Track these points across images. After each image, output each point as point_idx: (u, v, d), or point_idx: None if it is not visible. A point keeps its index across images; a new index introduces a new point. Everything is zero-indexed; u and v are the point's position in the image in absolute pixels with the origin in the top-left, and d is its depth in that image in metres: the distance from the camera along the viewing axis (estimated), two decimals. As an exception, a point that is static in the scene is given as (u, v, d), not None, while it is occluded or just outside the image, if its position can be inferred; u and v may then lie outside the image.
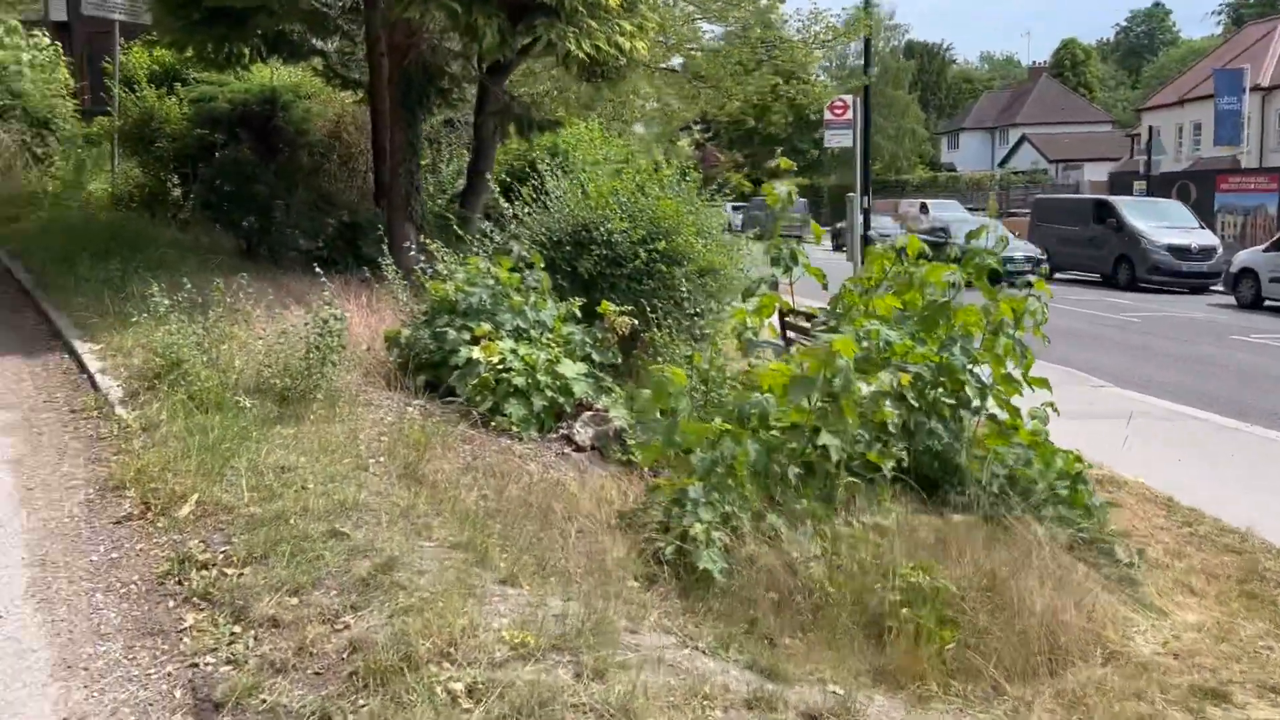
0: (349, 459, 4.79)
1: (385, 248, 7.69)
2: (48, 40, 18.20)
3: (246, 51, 11.68)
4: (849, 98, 17.39)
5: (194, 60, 11.91)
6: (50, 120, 16.71)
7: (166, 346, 5.93)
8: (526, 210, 8.92)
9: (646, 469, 5.13)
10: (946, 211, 45.54)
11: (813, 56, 13.22)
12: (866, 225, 18.62)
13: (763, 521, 4.31)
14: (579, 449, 5.61)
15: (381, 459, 4.91)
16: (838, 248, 26.61)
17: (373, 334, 7.19)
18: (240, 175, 10.91)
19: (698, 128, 28.31)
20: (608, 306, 6.51)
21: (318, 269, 7.09)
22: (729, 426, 4.35)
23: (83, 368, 6.62)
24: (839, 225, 29.85)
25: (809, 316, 6.92)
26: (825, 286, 6.17)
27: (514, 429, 5.59)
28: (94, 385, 6.21)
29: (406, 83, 9.75)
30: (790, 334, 7.53)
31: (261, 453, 4.76)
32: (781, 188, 5.96)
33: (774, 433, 4.60)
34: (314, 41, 12.45)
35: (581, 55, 8.80)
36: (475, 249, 8.17)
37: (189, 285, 6.41)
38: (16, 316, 8.44)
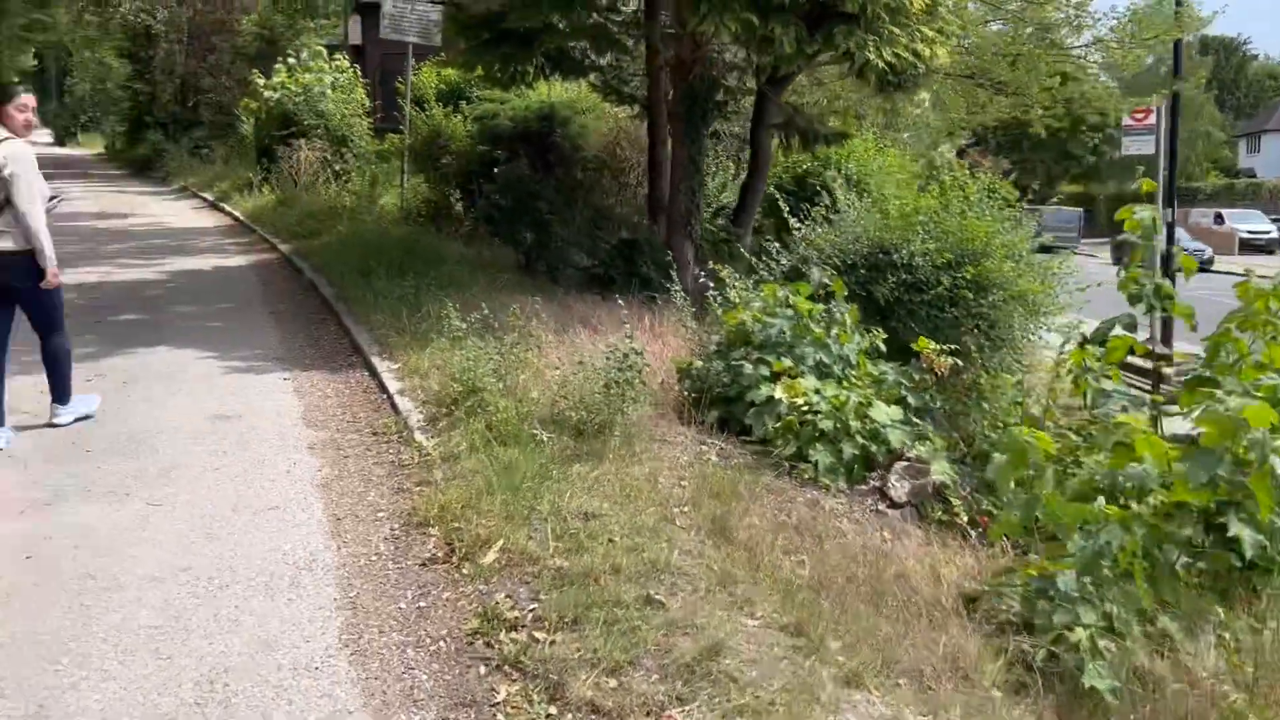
0: (653, 508, 4.44)
1: (672, 271, 7.39)
2: (347, 63, 19.55)
3: (530, 69, 11.88)
4: (1154, 101, 15.68)
5: (481, 79, 12.25)
6: (348, 138, 17.89)
7: (464, 371, 5.86)
8: (814, 230, 8.41)
9: (992, 541, 4.47)
10: (1247, 223, 40.83)
11: (1130, 57, 11.82)
12: (1170, 240, 16.72)
13: (1152, 625, 3.56)
14: (894, 505, 5.02)
15: (685, 509, 4.52)
16: (1117, 260, 24.27)
17: (658, 362, 6.88)
18: (521, 191, 11.06)
19: (962, 134, 26.69)
20: (925, 343, 5.85)
21: (596, 289, 6.92)
22: (1112, 510, 3.61)
23: (382, 388, 6.71)
24: (1118, 238, 27.26)
25: (1157, 358, 5.97)
26: (1194, 327, 5.24)
27: (820, 479, 5.07)
28: (394, 407, 6.25)
29: (690, 97, 9.49)
30: (1129, 378, 6.57)
31: (564, 495, 4.50)
32: (1144, 212, 5.10)
33: (1153, 511, 3.82)
34: (593, 58, 12.50)
35: (881, 64, 8.18)
36: (760, 271, 7.73)
37: (486, 310, 6.30)
38: (319, 329, 8.82)
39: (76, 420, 5.95)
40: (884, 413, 5.23)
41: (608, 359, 5.52)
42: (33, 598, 3.79)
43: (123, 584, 3.92)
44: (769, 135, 11.93)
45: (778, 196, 14.12)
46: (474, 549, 4.12)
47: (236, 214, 17.42)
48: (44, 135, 50.86)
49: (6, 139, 5.41)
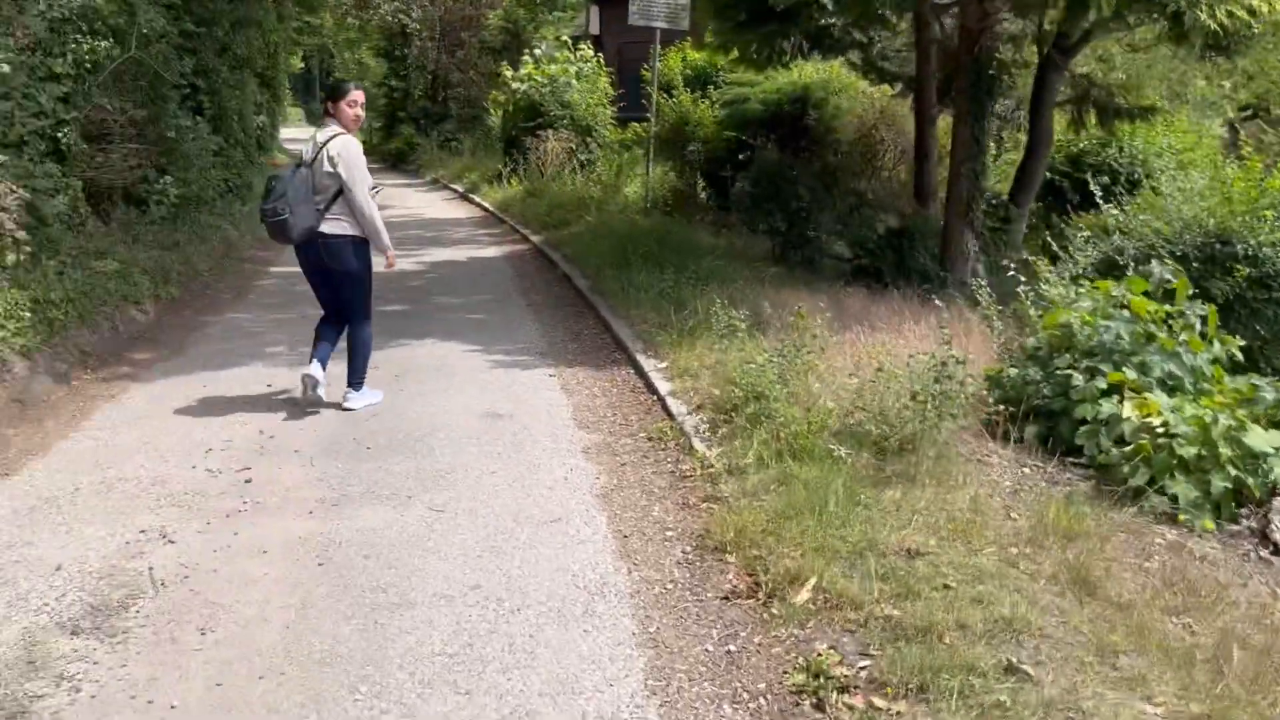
0: (990, 547, 3.80)
1: (976, 265, 6.64)
2: (591, 53, 19.63)
3: (788, 49, 11.30)
4: None
5: (733, 63, 11.78)
6: (593, 128, 17.93)
7: (743, 375, 5.40)
8: (1118, 216, 7.38)
9: None
10: None
11: None
12: None
13: None
14: (1278, 550, 4.12)
15: (1025, 549, 3.84)
16: None
17: (949, 364, 6.17)
18: (776, 177, 10.52)
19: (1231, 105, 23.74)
20: (1310, 354, 4.89)
21: (861, 281, 6.27)
22: None
23: (650, 388, 6.37)
24: None
25: None
26: None
27: (1180, 515, 4.24)
28: (666, 410, 5.88)
29: (977, 71, 8.62)
30: None
31: (877, 525, 3.94)
32: None
33: None
34: (854, 34, 11.76)
35: (1212, 24, 7.05)
36: (1060, 263, 6.82)
37: (768, 307, 5.80)
38: (579, 323, 8.64)
39: (365, 406, 6.11)
40: (1262, 438, 4.32)
41: (910, 365, 4.90)
42: (327, 611, 3.64)
43: (413, 601, 3.71)
44: (1051, 111, 10.79)
45: (1053, 179, 12.91)
46: (782, 584, 3.63)
47: (486, 205, 17.85)
48: (306, 131, 55.03)
49: (339, 134, 5.66)
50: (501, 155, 20.81)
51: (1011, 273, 6.08)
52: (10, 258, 6.59)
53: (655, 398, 6.19)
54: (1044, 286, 5.68)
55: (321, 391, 5.89)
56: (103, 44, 8.75)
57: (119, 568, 3.97)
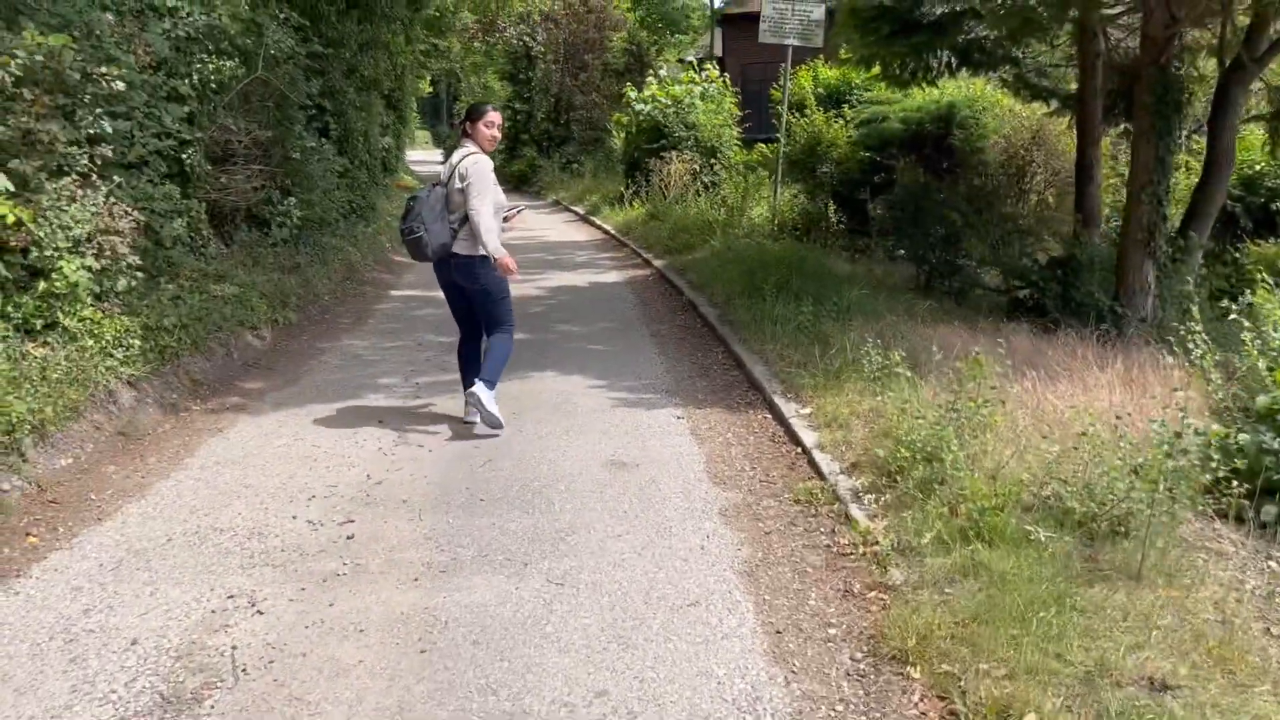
0: (1262, 683, 2.94)
1: (1156, 300, 5.69)
2: (716, 72, 19.04)
3: (936, 64, 10.45)
4: None
5: (877, 79, 10.98)
6: (718, 149, 17.31)
7: (911, 429, 4.62)
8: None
9: None
10: None
11: None
12: None
13: None
14: None
15: (1307, 685, 2.97)
16: None
17: (1143, 423, 5.25)
18: (921, 200, 9.67)
19: None
20: None
21: (1020, 316, 5.41)
22: None
23: (793, 437, 5.64)
24: None
25: None
26: None
27: None
28: (814, 467, 5.14)
29: (1163, 84, 7.63)
30: None
31: (1105, 640, 3.12)
32: None
33: None
34: (1007, 48, 10.82)
35: None
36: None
37: (937, 352, 5.03)
38: (706, 357, 7.97)
39: (489, 412, 5.84)
40: None
41: (1120, 429, 4.04)
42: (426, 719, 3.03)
43: (528, 710, 3.07)
44: (1234, 128, 9.62)
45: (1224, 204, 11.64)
46: (989, 718, 2.86)
47: (607, 228, 17.40)
48: (435, 154, 56.12)
49: (472, 153, 5.69)
50: (623, 177, 20.39)
51: (1233, 315, 5.12)
52: (123, 283, 6.30)
53: (799, 450, 5.46)
54: (1275, 333, 4.74)
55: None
56: (228, 64, 8.55)
57: (200, 644, 3.46)
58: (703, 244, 13.03)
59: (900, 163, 12.60)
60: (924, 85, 10.91)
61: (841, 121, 13.39)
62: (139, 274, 6.37)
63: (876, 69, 10.68)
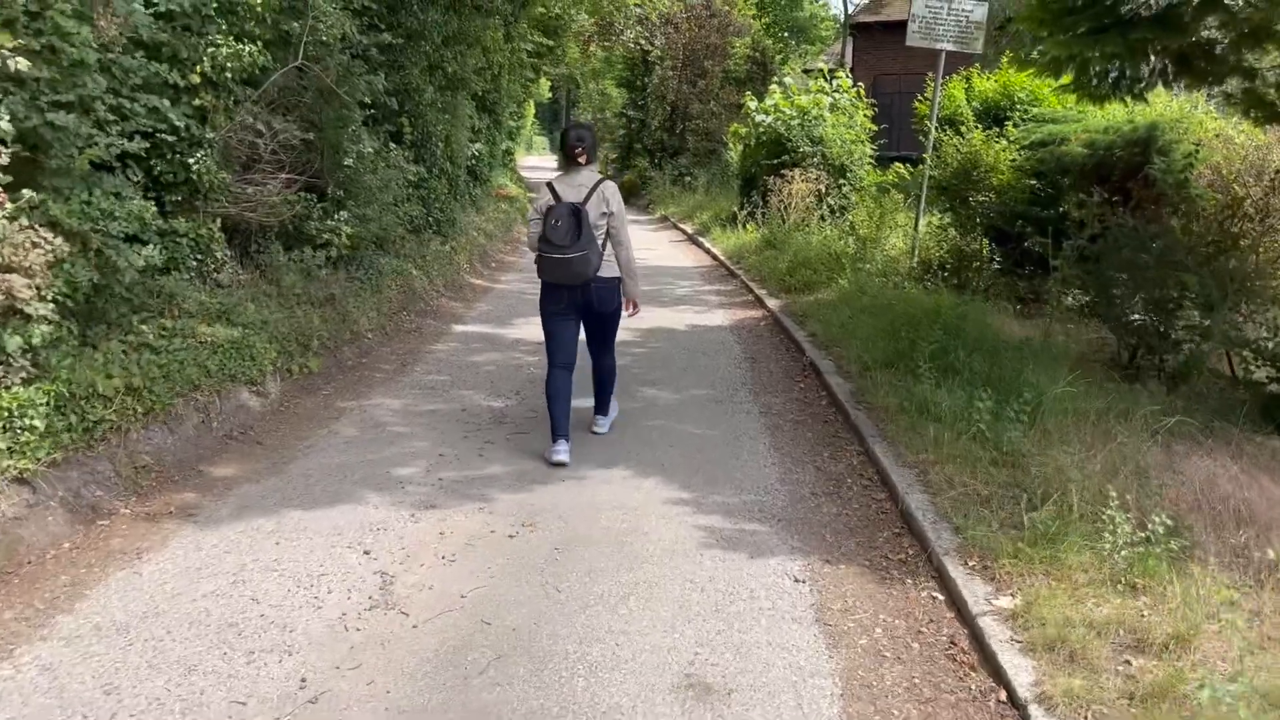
0: None
1: None
2: (849, 81, 16.71)
3: (1144, 73, 8.02)
4: None
5: (1068, 90, 8.57)
6: (847, 168, 15.00)
7: (1212, 695, 2.39)
8: None
9: None
10: None
11: None
12: None
13: None
14: None
15: None
16: None
17: None
18: (1131, 250, 7.24)
19: None
20: None
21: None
22: None
23: (987, 659, 3.42)
24: None
25: None
26: None
27: None
28: (1001, 681, 2.94)
29: None
30: None
31: None
32: None
33: None
34: (1241, 53, 8.29)
35: None
36: None
37: (1239, 531, 2.78)
38: (837, 459, 5.77)
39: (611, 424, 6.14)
40: None
41: None
42: None
43: None
44: None
45: None
46: None
47: (716, 252, 15.27)
48: (547, 160, 54.95)
49: (605, 178, 5.63)
50: (738, 195, 18.25)
51: None
52: (36, 336, 4.49)
53: (1002, 698, 3.22)
54: None
55: (568, 457, 5.55)
56: (247, 49, 6.75)
57: None
58: (827, 282, 10.80)
59: (1076, 194, 10.12)
60: (1127, 100, 8.44)
61: (1003, 142, 10.96)
62: (45, 325, 4.54)
63: (1067, 77, 8.28)
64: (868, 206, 12.65)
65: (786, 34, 30.91)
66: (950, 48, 11.78)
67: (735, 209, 16.34)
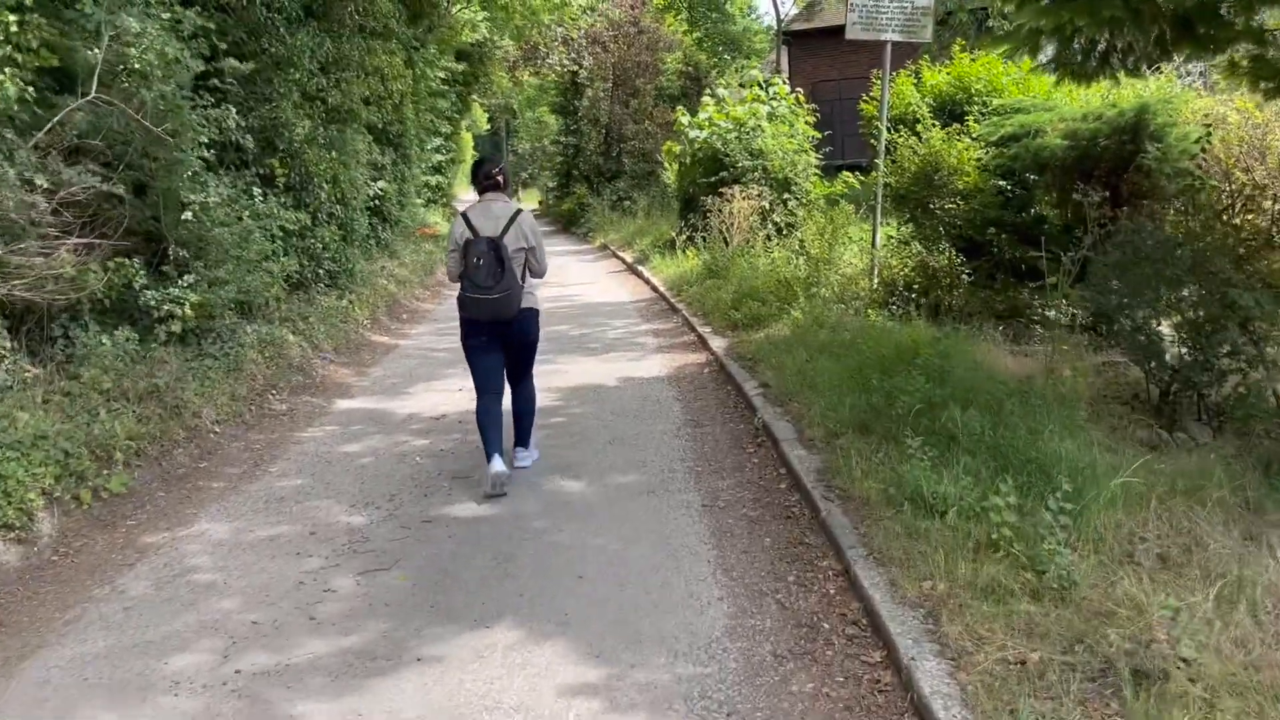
0: None
1: None
2: (786, 88, 15.21)
3: (1137, 43, 6.54)
4: None
5: (1048, 69, 7.05)
6: (791, 181, 13.46)
7: None
8: None
9: None
10: None
11: None
12: None
13: None
14: None
15: None
16: None
17: None
18: (1152, 257, 5.69)
19: None
20: None
21: None
22: None
23: None
24: None
25: None
26: None
27: None
28: None
29: None
30: None
31: None
32: None
33: None
34: (1250, 15, 6.83)
35: None
36: None
37: None
38: (802, 583, 4.12)
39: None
40: None
41: None
42: None
43: None
44: None
45: None
46: None
47: (655, 282, 13.65)
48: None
49: (520, 207, 5.50)
50: (677, 217, 16.70)
51: None
52: None
53: None
54: None
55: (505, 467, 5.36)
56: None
57: None
58: (778, 314, 9.20)
59: (1052, 193, 8.66)
60: (1119, 77, 6.94)
61: (965, 140, 9.47)
62: None
63: (1047, 52, 6.76)
64: (817, 222, 11.08)
65: (720, 48, 29.54)
66: (896, 38, 10.32)
67: (674, 233, 14.76)
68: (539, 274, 5.60)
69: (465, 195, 53.39)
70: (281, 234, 9.40)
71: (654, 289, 13.48)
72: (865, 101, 12.15)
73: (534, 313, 5.65)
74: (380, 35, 12.58)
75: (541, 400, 7.60)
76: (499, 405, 5.56)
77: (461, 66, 24.47)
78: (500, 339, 5.51)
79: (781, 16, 24.60)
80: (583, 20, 24.42)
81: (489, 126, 63.86)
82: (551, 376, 8.34)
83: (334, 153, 10.50)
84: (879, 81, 12.33)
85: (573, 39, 25.46)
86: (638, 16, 25.78)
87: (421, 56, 15.07)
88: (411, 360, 9.50)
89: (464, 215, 5.42)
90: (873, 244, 10.27)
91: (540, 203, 37.34)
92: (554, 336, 10.37)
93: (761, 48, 39.13)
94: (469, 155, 59.28)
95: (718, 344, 8.88)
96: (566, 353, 9.43)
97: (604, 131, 26.44)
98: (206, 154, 7.59)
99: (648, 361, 8.88)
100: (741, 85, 23.02)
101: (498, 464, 5.30)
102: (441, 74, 18.14)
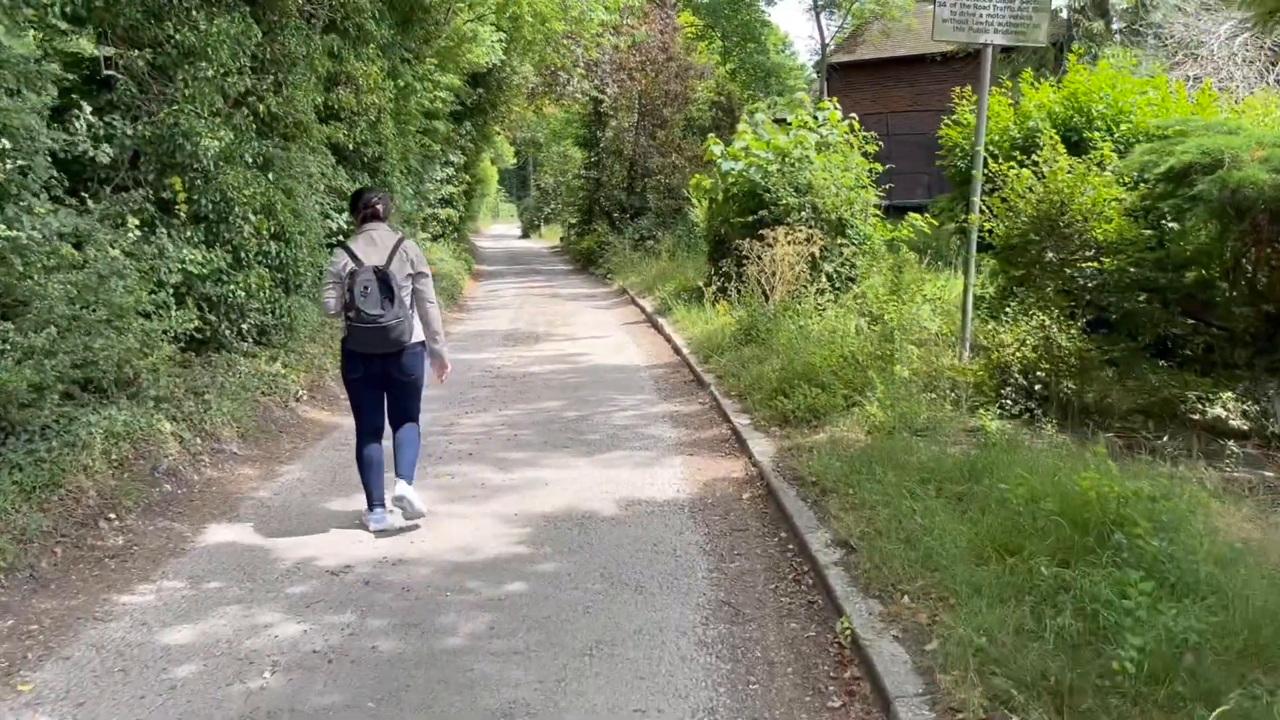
0: None
1: None
2: (838, 113, 12.63)
3: None
4: None
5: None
6: (846, 223, 10.86)
7: None
8: None
9: None
10: None
11: None
12: None
13: None
14: None
15: None
16: None
17: None
18: None
19: None
20: None
21: None
22: None
23: None
24: None
25: None
26: None
27: None
28: None
29: None
30: None
31: None
32: None
33: None
34: None
35: None
36: None
37: None
38: None
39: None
40: None
41: None
42: None
43: None
44: None
45: None
46: None
47: (678, 341, 11.03)
48: (513, 228, 51.05)
49: (407, 237, 5.22)
50: (705, 261, 14.15)
51: None
52: None
53: None
54: None
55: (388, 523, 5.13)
56: None
57: None
58: (845, 406, 6.55)
59: (1249, 247, 6.02)
60: None
61: (1105, 174, 6.84)
62: None
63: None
64: (886, 275, 8.45)
65: (754, 80, 27.16)
66: (1000, 40, 7.85)
67: (702, 282, 12.15)
68: (430, 301, 5.17)
69: (489, 229, 51.11)
70: (184, 279, 6.92)
71: (676, 350, 10.87)
72: (949, 125, 9.57)
73: (420, 347, 5.22)
74: (352, 37, 10.17)
75: (504, 543, 5.02)
76: (379, 447, 5.24)
77: (477, 92, 22.20)
78: (384, 374, 5.13)
79: (825, 43, 22.15)
80: (604, 40, 22.04)
81: (515, 160, 61.86)
82: (527, 493, 5.74)
83: (269, 175, 8.01)
84: (964, 103, 9.77)
85: (596, 63, 23.11)
86: (668, 43, 23.44)
87: (413, 70, 12.65)
88: (347, 450, 6.94)
89: (344, 245, 5.13)
90: (964, 309, 7.65)
91: (561, 239, 34.93)
92: (544, 418, 7.78)
93: (794, 84, 36.77)
94: (493, 190, 57.20)
95: (762, 447, 6.23)
96: (555, 448, 6.82)
97: (628, 164, 24.03)
98: (51, 173, 5.12)
99: (663, 470, 6.23)
100: (778, 121, 20.56)
101: (379, 520, 5.12)
102: (444, 93, 15.72)
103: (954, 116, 9.65)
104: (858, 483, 4.95)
